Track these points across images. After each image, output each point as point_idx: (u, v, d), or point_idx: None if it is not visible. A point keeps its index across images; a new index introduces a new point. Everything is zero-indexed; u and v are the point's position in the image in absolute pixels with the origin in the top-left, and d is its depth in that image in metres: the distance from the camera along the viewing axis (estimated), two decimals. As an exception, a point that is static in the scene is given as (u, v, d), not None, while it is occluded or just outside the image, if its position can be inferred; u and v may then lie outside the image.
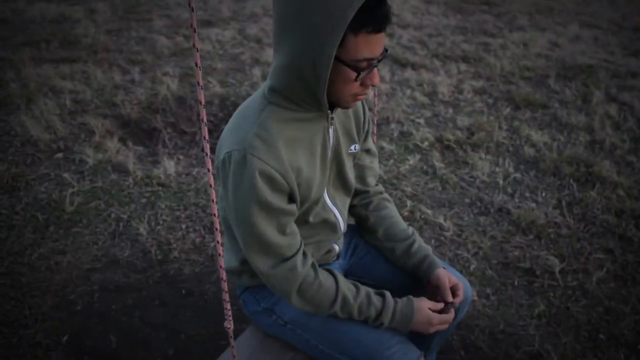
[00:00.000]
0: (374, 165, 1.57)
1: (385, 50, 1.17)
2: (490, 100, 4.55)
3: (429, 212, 3.01)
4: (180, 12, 7.03)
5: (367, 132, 1.50)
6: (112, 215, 2.89)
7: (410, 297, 1.37)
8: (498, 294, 2.48)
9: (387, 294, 1.36)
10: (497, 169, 3.48)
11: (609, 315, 2.39)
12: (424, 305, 1.36)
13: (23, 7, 7.00)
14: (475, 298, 2.45)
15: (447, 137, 3.81)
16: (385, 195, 1.63)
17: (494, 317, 2.35)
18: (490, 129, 3.96)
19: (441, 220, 2.93)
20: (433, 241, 2.79)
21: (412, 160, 3.56)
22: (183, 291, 2.43)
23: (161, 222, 2.87)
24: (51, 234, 2.72)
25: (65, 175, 3.20)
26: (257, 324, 1.55)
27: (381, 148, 3.68)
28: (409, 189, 3.22)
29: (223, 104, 4.20)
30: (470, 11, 7.82)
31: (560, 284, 2.55)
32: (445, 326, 1.40)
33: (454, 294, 1.45)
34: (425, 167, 3.49)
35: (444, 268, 1.49)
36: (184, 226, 2.84)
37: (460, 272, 2.60)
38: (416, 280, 1.53)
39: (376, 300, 1.33)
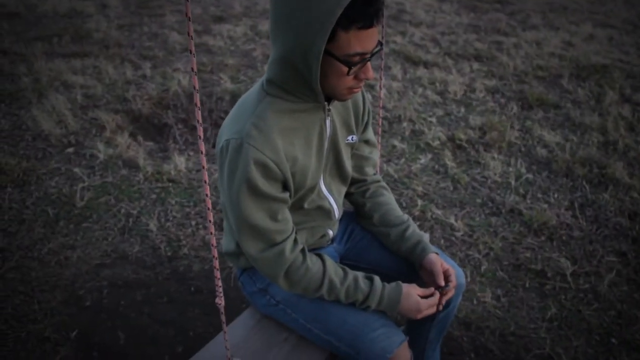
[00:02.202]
0: (372, 156, 1.61)
1: (380, 43, 1.19)
2: (503, 100, 4.51)
3: (440, 211, 2.98)
4: (192, 7, 7.03)
5: (367, 123, 1.53)
6: (122, 211, 2.89)
7: (399, 282, 1.40)
8: (509, 296, 2.46)
9: (376, 278, 1.39)
10: (509, 169, 3.45)
11: (621, 319, 2.36)
12: (413, 291, 1.39)
13: (36, 1, 7.03)
14: (486, 299, 2.42)
15: (459, 137, 3.78)
16: (383, 183, 1.65)
17: (504, 319, 2.33)
18: (502, 128, 3.93)
19: (452, 220, 2.91)
20: (443, 241, 2.77)
21: (424, 159, 3.54)
22: (192, 288, 2.43)
23: (171, 218, 2.86)
24: (61, 229, 2.73)
25: (76, 170, 3.21)
26: (254, 305, 1.60)
27: (393, 146, 3.66)
28: (420, 188, 3.20)
29: (234, 100, 4.19)
30: (483, 9, 7.76)
31: (572, 287, 2.52)
32: (433, 309, 1.42)
33: (447, 280, 1.47)
34: (436, 167, 3.46)
35: (437, 254, 1.51)
36: (193, 223, 2.84)
37: (471, 273, 2.58)
38: (411, 266, 1.56)
39: (363, 284, 1.37)
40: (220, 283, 1.26)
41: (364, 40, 1.14)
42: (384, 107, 4.21)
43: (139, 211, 2.90)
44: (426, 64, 5.27)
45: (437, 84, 4.74)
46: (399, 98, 4.41)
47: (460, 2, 8.17)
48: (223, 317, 1.31)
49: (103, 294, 2.36)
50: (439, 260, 1.46)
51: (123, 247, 2.64)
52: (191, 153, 3.49)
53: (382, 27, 1.38)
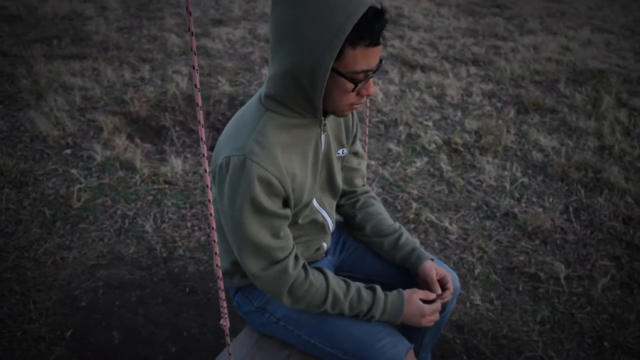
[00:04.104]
0: (361, 167, 1.61)
1: (380, 60, 1.19)
2: (499, 104, 4.53)
3: (435, 215, 3.00)
4: (191, 10, 7.06)
5: (355, 135, 1.54)
6: (119, 212, 2.90)
7: (400, 289, 1.41)
8: (502, 299, 2.47)
9: (378, 288, 1.39)
10: (505, 173, 3.46)
11: (613, 322, 2.37)
12: (415, 297, 1.40)
13: (36, 4, 7.05)
14: (479, 302, 2.44)
15: (454, 140, 3.80)
16: (372, 193, 1.66)
17: (497, 321, 2.34)
18: (498, 132, 3.95)
19: (446, 223, 2.92)
20: (437, 244, 2.79)
21: (419, 162, 3.55)
22: (187, 289, 2.44)
23: (167, 219, 2.88)
24: (57, 230, 2.74)
25: (73, 171, 3.22)
26: (252, 324, 1.57)
27: (388, 150, 3.68)
28: (415, 192, 3.21)
29: (232, 103, 4.21)
30: (481, 14, 7.79)
31: (565, 290, 2.53)
32: (437, 316, 1.43)
33: (444, 287, 1.48)
34: (432, 170, 3.48)
35: (432, 260, 1.51)
36: (189, 224, 2.85)
37: (465, 276, 2.59)
38: (406, 273, 1.56)
39: (366, 295, 1.36)
40: (225, 304, 1.23)
41: (370, 57, 1.14)
42: (380, 111, 4.23)
43: (135, 212, 2.91)
44: (423, 68, 5.29)
45: (434, 88, 4.77)
46: (395, 102, 4.43)
47: (459, 7, 8.20)
48: (228, 339, 1.29)
49: (98, 294, 2.38)
50: (433, 269, 1.47)
51: (119, 248, 2.66)
52: (188, 155, 3.51)
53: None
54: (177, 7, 7.21)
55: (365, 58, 1.13)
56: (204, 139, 1.05)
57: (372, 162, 3.53)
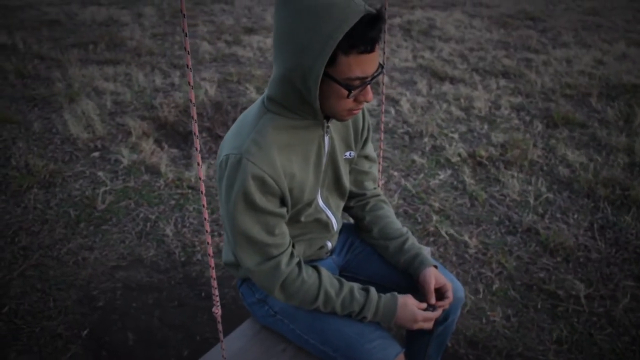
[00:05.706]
0: (372, 171, 1.63)
1: (381, 66, 1.21)
2: (528, 118, 4.47)
3: (455, 228, 2.97)
4: (224, 18, 7.17)
5: (366, 139, 1.55)
6: (141, 215, 2.96)
7: (395, 293, 1.41)
8: (519, 316, 2.43)
9: (372, 289, 1.40)
10: (529, 188, 3.41)
11: (635, 345, 2.31)
12: (409, 302, 1.40)
13: (76, 10, 7.27)
14: (496, 319, 2.40)
15: (480, 153, 3.76)
16: (383, 197, 1.67)
17: (513, 339, 2.30)
18: (525, 146, 3.89)
19: (466, 237, 2.89)
20: (456, 258, 2.76)
21: (443, 175, 3.53)
22: (203, 294, 2.47)
23: (187, 224, 2.92)
24: (81, 230, 2.81)
25: (100, 173, 3.30)
26: (254, 316, 1.62)
27: (412, 161, 3.66)
28: (436, 204, 3.19)
29: (257, 111, 4.25)
30: (514, 26, 7.70)
31: (586, 310, 2.47)
32: (430, 324, 1.43)
33: (443, 296, 1.47)
34: (455, 183, 3.45)
35: (436, 267, 1.51)
36: (209, 229, 2.88)
37: (483, 291, 2.55)
38: (409, 279, 1.56)
39: (359, 295, 1.38)
40: (217, 292, 1.27)
41: (365, 65, 1.15)
42: (406, 122, 4.21)
43: (157, 216, 2.96)
44: (452, 80, 5.26)
45: (462, 100, 4.73)
46: (422, 113, 4.41)
47: (491, 18, 8.12)
48: (220, 327, 1.32)
49: (116, 295, 2.42)
50: (432, 276, 1.46)
51: (139, 250, 2.71)
52: (213, 161, 3.56)
53: (384, 52, 1.40)
54: (210, 15, 7.34)
55: (360, 65, 1.14)
56: (196, 133, 1.09)
57: (395, 174, 3.52)
